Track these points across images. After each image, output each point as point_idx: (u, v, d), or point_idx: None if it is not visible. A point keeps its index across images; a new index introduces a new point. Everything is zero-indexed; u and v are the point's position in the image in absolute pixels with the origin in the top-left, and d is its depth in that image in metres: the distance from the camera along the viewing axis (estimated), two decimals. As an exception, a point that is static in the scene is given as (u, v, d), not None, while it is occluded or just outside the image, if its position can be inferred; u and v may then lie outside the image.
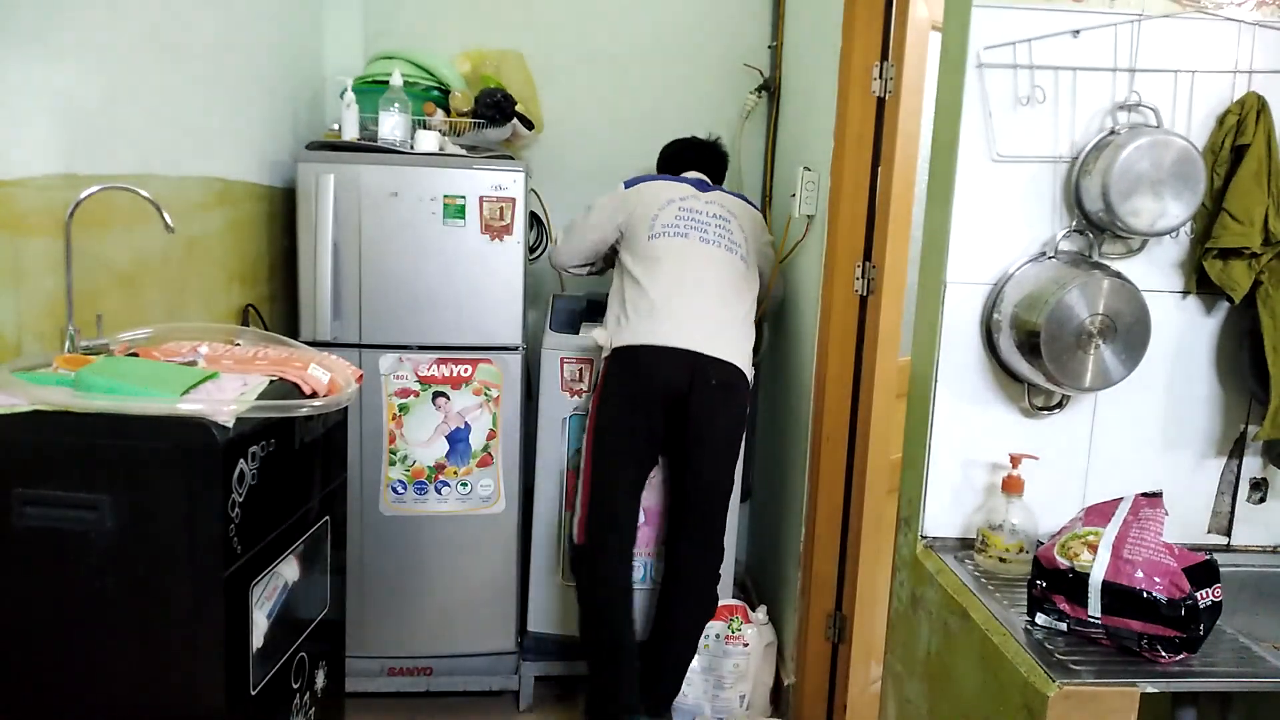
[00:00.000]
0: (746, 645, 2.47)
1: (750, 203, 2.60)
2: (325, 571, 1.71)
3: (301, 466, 1.56)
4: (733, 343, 2.32)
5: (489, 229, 2.39)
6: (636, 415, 2.27)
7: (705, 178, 2.59)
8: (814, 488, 2.40)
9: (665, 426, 2.28)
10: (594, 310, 2.69)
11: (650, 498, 2.52)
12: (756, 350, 2.80)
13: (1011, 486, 1.46)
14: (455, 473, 2.48)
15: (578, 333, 2.53)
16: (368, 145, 2.40)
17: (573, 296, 2.86)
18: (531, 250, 2.93)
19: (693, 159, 2.65)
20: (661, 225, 2.36)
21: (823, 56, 2.41)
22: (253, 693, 1.40)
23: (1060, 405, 1.53)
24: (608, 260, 2.57)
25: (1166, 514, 1.28)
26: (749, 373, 2.34)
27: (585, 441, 2.37)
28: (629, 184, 2.50)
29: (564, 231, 2.56)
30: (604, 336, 2.35)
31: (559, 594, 2.56)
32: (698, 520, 2.32)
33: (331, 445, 1.71)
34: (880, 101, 2.22)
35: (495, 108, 2.50)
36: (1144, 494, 1.32)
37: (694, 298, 2.30)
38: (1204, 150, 1.45)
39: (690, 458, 2.28)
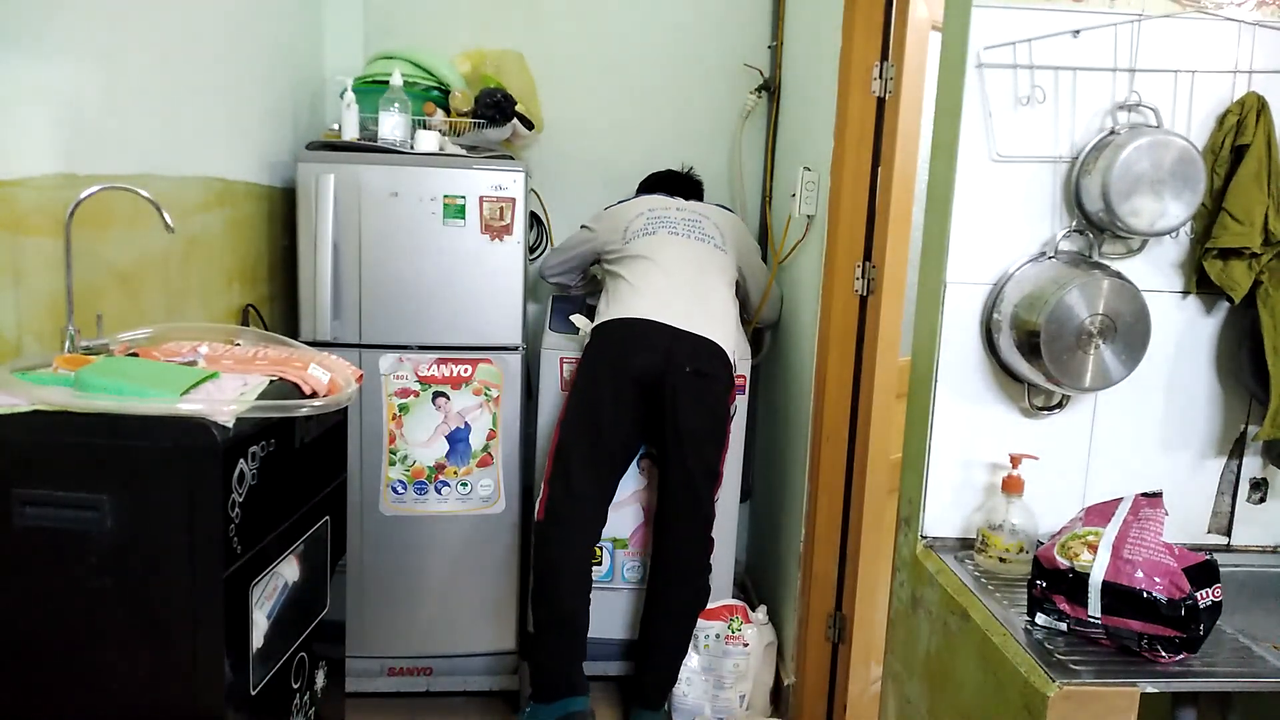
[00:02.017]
0: (746, 645, 2.47)
1: (729, 211, 2.75)
2: (325, 571, 1.71)
3: (301, 466, 1.56)
4: (711, 318, 2.36)
5: (489, 229, 2.39)
6: (604, 398, 2.29)
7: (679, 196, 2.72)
8: (814, 488, 2.40)
9: (643, 413, 2.31)
10: (593, 311, 2.70)
11: (648, 498, 2.53)
12: (757, 351, 2.82)
13: (1011, 486, 1.46)
14: (455, 473, 2.48)
15: (578, 333, 2.53)
16: (368, 145, 2.40)
17: (573, 297, 2.86)
18: (531, 250, 2.93)
19: (667, 182, 2.78)
20: (633, 231, 2.52)
21: (823, 56, 2.41)
22: (253, 693, 1.40)
23: (1060, 405, 1.53)
24: (586, 278, 2.79)
25: (1166, 514, 1.28)
26: (731, 350, 2.36)
27: (557, 421, 2.41)
28: (607, 208, 2.69)
29: (552, 250, 2.82)
30: (585, 323, 2.45)
31: (559, 594, 2.55)
32: (683, 508, 2.34)
33: (331, 445, 1.71)
34: (880, 101, 2.22)
35: (495, 108, 2.50)
36: (1144, 494, 1.32)
37: (667, 278, 2.40)
38: (1204, 150, 1.45)
39: (670, 448, 2.30)
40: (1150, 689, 1.14)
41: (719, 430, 2.35)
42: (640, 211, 2.58)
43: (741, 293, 2.62)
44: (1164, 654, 1.17)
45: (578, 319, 2.49)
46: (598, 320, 2.40)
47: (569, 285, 2.79)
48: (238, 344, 1.66)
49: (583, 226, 2.69)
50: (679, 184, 2.78)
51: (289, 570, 1.54)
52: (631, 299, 2.37)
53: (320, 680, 1.69)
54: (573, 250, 2.69)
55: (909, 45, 2.15)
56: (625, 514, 2.52)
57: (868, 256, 2.27)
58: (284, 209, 2.50)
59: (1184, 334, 1.53)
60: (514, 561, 2.55)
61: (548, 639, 2.33)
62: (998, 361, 1.52)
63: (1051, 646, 1.21)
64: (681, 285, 2.39)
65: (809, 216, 2.51)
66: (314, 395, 1.47)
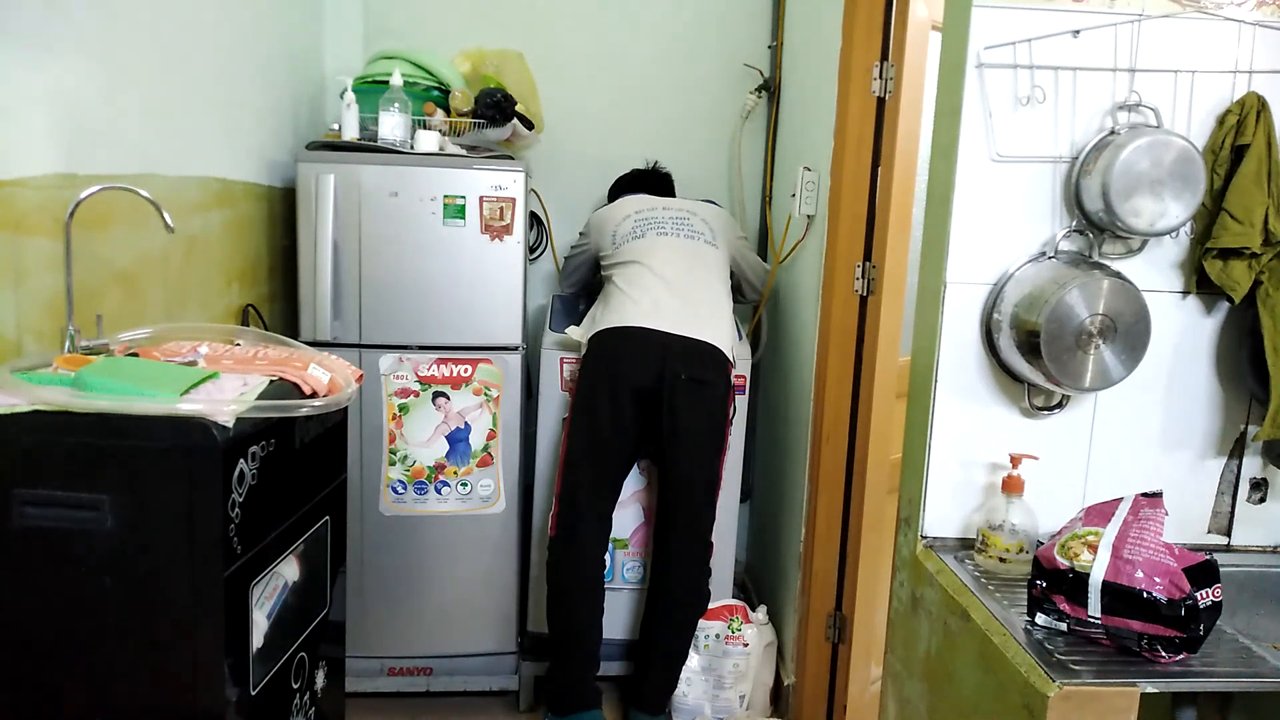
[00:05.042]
0: (746, 645, 2.47)
1: (715, 205, 2.74)
2: (325, 571, 1.71)
3: (301, 466, 1.56)
4: (707, 319, 2.36)
5: (489, 229, 2.39)
6: (603, 410, 2.29)
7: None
8: (814, 488, 2.40)
9: (640, 420, 2.30)
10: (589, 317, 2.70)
11: (648, 498, 2.53)
12: (755, 348, 2.82)
13: (1011, 486, 1.46)
14: (455, 473, 2.48)
15: (576, 343, 2.53)
16: (368, 145, 2.39)
17: (573, 296, 2.87)
18: (531, 250, 2.93)
19: (642, 182, 2.78)
20: (622, 235, 2.52)
21: (823, 56, 2.41)
22: (253, 693, 1.40)
23: (1060, 405, 1.53)
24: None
25: (1166, 514, 1.28)
26: (729, 349, 2.36)
27: (562, 436, 2.41)
28: (595, 212, 2.70)
29: (564, 261, 2.85)
30: (579, 333, 2.43)
31: (559, 594, 2.55)
32: (682, 515, 2.34)
33: (331, 445, 1.71)
34: (880, 101, 2.22)
35: (495, 108, 2.49)
36: (1144, 494, 1.32)
37: (660, 281, 2.39)
38: (1204, 150, 1.45)
39: (667, 454, 2.30)
40: (1150, 689, 1.14)
41: (718, 436, 2.34)
42: (627, 214, 2.57)
43: (737, 281, 2.62)
44: (1164, 654, 1.17)
45: (573, 330, 2.46)
46: (594, 329, 2.38)
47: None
48: (238, 344, 1.66)
49: (580, 234, 2.71)
50: (655, 182, 2.78)
51: (289, 570, 1.54)
52: (624, 306, 2.36)
53: (320, 680, 1.69)
54: (576, 261, 2.73)
55: (909, 45, 2.15)
56: (625, 514, 2.52)
57: (868, 256, 2.27)
58: (284, 209, 2.50)
59: (1184, 334, 1.53)
60: (514, 561, 2.55)
61: (563, 653, 2.35)
62: (998, 361, 1.52)
63: (1051, 646, 1.21)
64: (675, 287, 2.38)
65: (809, 216, 2.51)
66: (314, 395, 1.47)
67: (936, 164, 1.56)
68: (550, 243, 3.01)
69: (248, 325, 2.28)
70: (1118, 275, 1.42)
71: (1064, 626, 1.24)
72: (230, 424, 1.28)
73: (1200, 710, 1.35)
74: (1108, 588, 1.19)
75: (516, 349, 2.47)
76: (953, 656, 1.38)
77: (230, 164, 2.20)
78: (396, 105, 2.40)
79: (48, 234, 1.49)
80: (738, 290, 2.65)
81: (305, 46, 2.73)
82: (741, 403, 2.51)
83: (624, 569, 2.57)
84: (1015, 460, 1.47)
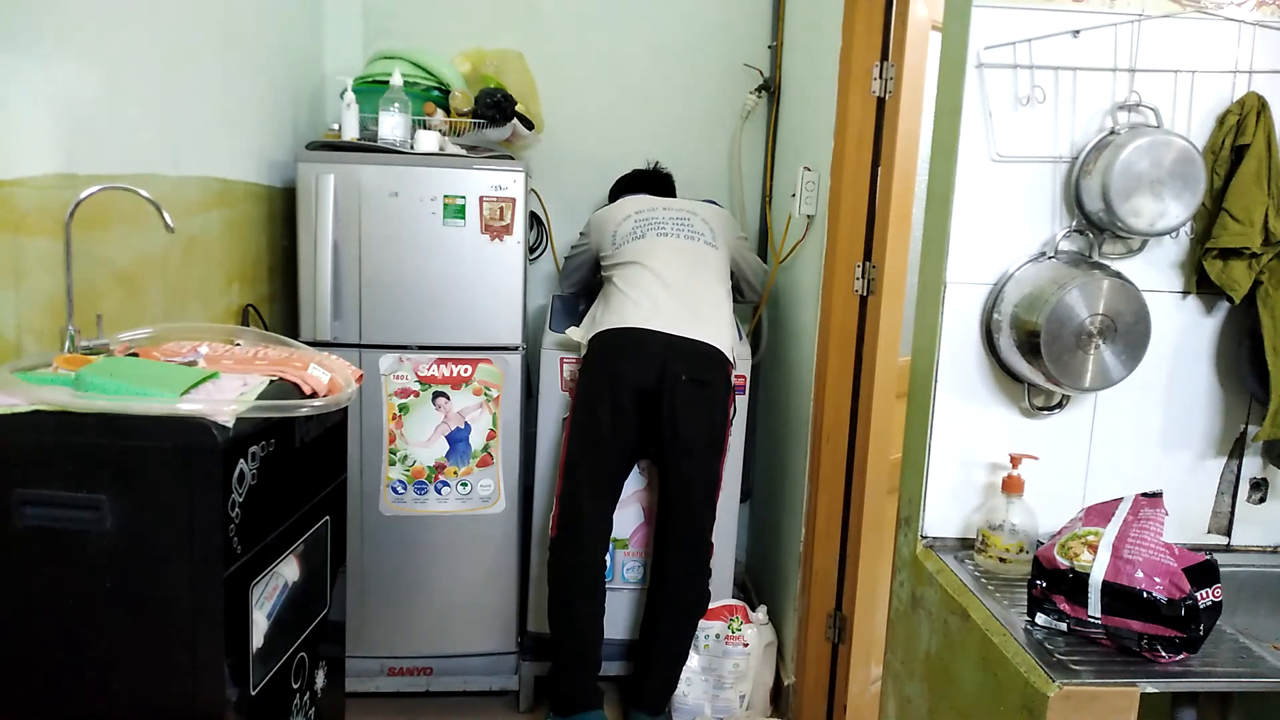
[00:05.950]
0: (746, 645, 2.47)
1: (716, 205, 2.74)
2: (325, 571, 1.71)
3: (301, 466, 1.56)
4: (707, 320, 2.36)
5: (489, 229, 2.39)
6: (604, 411, 2.29)
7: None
8: (814, 488, 2.40)
9: (640, 421, 2.30)
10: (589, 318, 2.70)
11: (648, 499, 2.53)
12: (756, 349, 2.82)
13: (1011, 486, 1.46)
14: (455, 473, 2.48)
15: (576, 344, 2.53)
16: (368, 145, 2.40)
17: (573, 296, 2.87)
18: (531, 250, 2.93)
19: (643, 182, 2.78)
20: (622, 236, 2.52)
21: (823, 56, 2.41)
22: (253, 693, 1.40)
23: (1060, 405, 1.53)
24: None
25: (1166, 514, 1.28)
26: (729, 349, 2.36)
27: (562, 436, 2.42)
28: (595, 212, 2.70)
29: (564, 261, 2.85)
30: (579, 334, 2.43)
31: (559, 594, 2.55)
32: (682, 516, 2.34)
33: (331, 445, 1.71)
34: (880, 101, 2.22)
35: (495, 108, 2.50)
36: (1144, 494, 1.32)
37: (659, 282, 2.39)
38: (1204, 150, 1.45)
39: (669, 457, 2.30)
40: (1150, 689, 1.14)
41: (718, 438, 2.34)
42: (628, 214, 2.57)
43: (736, 282, 2.62)
44: (1164, 654, 1.17)
45: (573, 331, 2.46)
46: (595, 330, 2.38)
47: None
48: (238, 344, 1.66)
49: (581, 234, 2.71)
50: (656, 182, 2.78)
51: (289, 570, 1.54)
52: (625, 307, 2.36)
53: (320, 680, 1.69)
54: (576, 261, 2.73)
55: (909, 45, 2.15)
56: (625, 514, 2.52)
57: (868, 256, 2.27)
58: (284, 209, 2.50)
59: (1184, 334, 1.53)
60: (514, 561, 2.55)
61: (565, 653, 2.36)
62: (998, 361, 1.52)
63: (1051, 646, 1.21)
64: (675, 288, 2.38)
65: (809, 216, 2.51)
66: (314, 395, 1.47)
67: (936, 164, 1.56)
68: (550, 243, 3.01)
69: (248, 325, 2.28)
70: (1118, 275, 1.42)
71: (1064, 626, 1.24)
72: (230, 424, 1.28)
73: (1200, 710, 1.35)
74: (1108, 588, 1.19)
75: (516, 349, 2.47)
76: (953, 656, 1.38)
77: (230, 164, 2.20)
78: (396, 105, 2.40)
79: (48, 234, 1.49)
80: (737, 291, 2.65)
81: (305, 46, 2.73)
82: (741, 403, 2.51)
83: (624, 569, 2.57)
84: (1015, 460, 1.47)
